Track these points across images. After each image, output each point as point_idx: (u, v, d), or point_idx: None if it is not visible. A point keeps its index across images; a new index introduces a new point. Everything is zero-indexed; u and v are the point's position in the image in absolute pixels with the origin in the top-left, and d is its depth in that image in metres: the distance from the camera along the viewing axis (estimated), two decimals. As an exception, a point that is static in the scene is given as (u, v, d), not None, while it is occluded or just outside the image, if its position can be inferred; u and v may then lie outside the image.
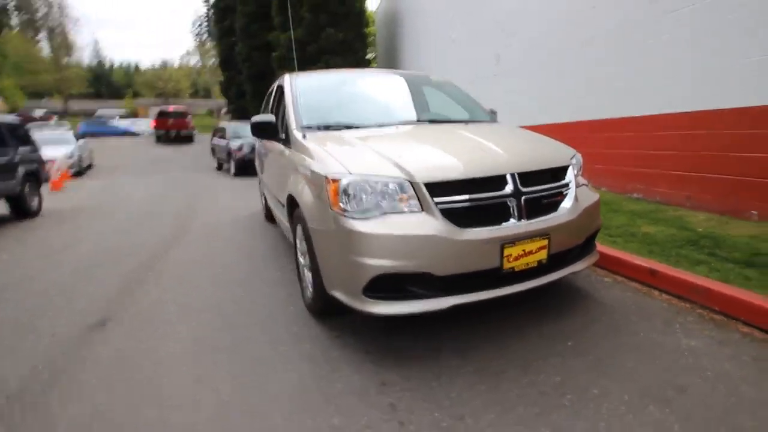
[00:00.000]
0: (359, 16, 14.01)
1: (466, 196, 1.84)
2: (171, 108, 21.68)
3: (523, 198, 1.92)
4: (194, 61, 61.50)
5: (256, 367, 1.93)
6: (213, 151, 13.74)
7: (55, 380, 1.94)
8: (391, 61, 15.22)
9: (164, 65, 55.44)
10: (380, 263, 1.76)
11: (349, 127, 2.61)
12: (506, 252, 1.85)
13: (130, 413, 1.67)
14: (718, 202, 3.58)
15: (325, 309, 2.28)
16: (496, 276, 1.88)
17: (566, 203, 2.08)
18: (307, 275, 2.40)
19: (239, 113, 20.28)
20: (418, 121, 2.81)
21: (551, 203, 2.05)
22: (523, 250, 1.89)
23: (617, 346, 1.94)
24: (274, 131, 2.81)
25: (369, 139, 2.32)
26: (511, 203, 1.91)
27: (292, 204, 2.55)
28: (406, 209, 1.84)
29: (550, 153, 2.23)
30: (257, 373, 1.88)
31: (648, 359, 1.82)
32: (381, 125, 2.67)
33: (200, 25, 64.95)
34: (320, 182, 1.99)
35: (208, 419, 1.60)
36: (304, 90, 2.98)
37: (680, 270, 2.46)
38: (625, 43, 4.56)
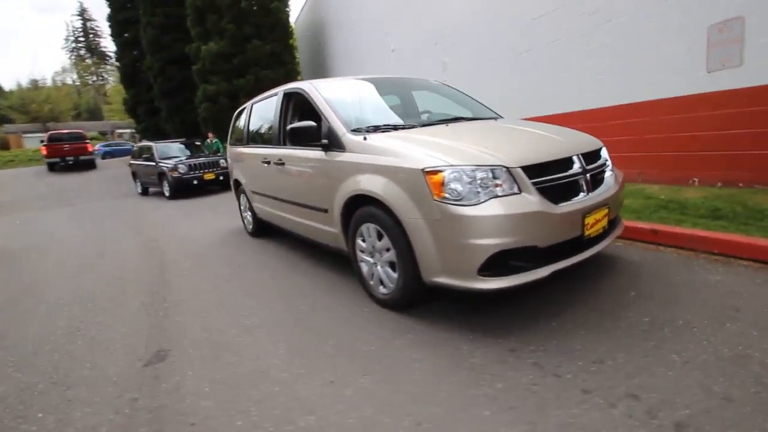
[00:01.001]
0: (285, 28, 13.85)
1: (552, 176, 2.11)
2: (65, 131, 18.92)
3: (588, 175, 2.26)
4: (71, 79, 54.29)
5: (380, 364, 1.95)
6: (134, 174, 12.40)
7: (160, 417, 1.75)
8: (318, 73, 15.26)
9: (35, 85, 47.95)
10: (497, 242, 1.94)
11: (396, 128, 2.74)
12: (586, 221, 2.16)
13: (285, 425, 1.60)
14: (664, 174, 4.40)
15: (413, 300, 2.37)
16: (579, 242, 2.18)
17: (609, 178, 2.47)
18: (382, 271, 2.46)
19: (151, 133, 18.49)
20: (455, 119, 3.03)
21: (600, 179, 2.42)
22: (595, 219, 2.22)
23: (667, 288, 2.36)
24: (314, 137, 2.80)
25: (433, 135, 2.48)
26: (581, 180, 2.23)
27: (352, 205, 2.59)
28: (501, 192, 2.03)
29: (588, 138, 2.61)
30: (388, 368, 1.91)
31: (696, 294, 2.26)
32: (424, 125, 2.85)
33: (76, 40, 57.53)
34: (414, 176, 2.10)
35: (379, 411, 1.61)
36: (333, 96, 3.01)
37: (675, 226, 3.04)
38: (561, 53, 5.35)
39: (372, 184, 2.35)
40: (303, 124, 2.81)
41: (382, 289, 2.54)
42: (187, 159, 10.69)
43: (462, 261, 2.00)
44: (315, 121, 2.85)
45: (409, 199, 2.14)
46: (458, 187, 2.00)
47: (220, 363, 2.12)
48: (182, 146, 11.86)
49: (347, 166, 2.58)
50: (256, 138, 4.36)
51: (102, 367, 2.23)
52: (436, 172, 2.04)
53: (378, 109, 3.18)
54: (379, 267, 2.51)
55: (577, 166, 2.23)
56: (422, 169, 2.07)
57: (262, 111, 4.18)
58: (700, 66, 3.92)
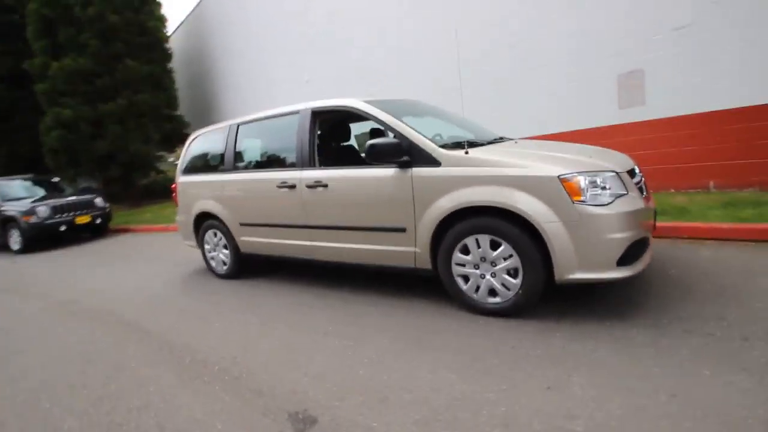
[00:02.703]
0: (164, 50, 12.37)
1: (636, 180, 2.57)
2: None
3: (642, 180, 2.81)
4: None
5: (568, 363, 2.00)
6: (-53, 225, 8.97)
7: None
8: (200, 102, 13.97)
9: None
10: (630, 234, 2.25)
11: (471, 144, 2.88)
12: (656, 215, 2.68)
13: (559, 439, 1.53)
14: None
15: (534, 303, 2.48)
16: (651, 233, 2.67)
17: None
18: (496, 281, 2.51)
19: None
20: (501, 138, 3.31)
21: (639, 183, 3.01)
22: (654, 215, 2.77)
23: (712, 263, 2.98)
24: (396, 154, 2.72)
25: (526, 148, 2.72)
26: (642, 184, 2.76)
27: (447, 221, 2.60)
28: (612, 195, 2.37)
29: (617, 151, 3.22)
30: (582, 364, 1.97)
31: (735, 264, 2.92)
32: (491, 142, 3.06)
33: None
34: (549, 183, 2.27)
35: (628, 401, 1.68)
36: (394, 115, 2.97)
37: (669, 222, 3.91)
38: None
39: (493, 195, 2.42)
40: (386, 140, 2.71)
41: (492, 299, 2.58)
42: (45, 200, 8.36)
43: (602, 255, 2.25)
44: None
45: (544, 205, 2.30)
46: (592, 190, 2.27)
47: (397, 404, 1.84)
48: (30, 184, 9.26)
49: (447, 181, 2.59)
50: (251, 163, 3.85)
51: (235, 450, 1.67)
52: (571, 178, 2.27)
53: (442, 128, 3.28)
54: (489, 277, 2.56)
55: (638, 173, 2.76)
56: (558, 176, 2.28)
57: (267, 132, 3.75)
58: (614, 104, 5.20)
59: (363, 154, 2.97)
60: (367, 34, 8.37)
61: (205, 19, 13.36)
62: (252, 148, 3.91)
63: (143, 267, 5.50)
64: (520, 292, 2.46)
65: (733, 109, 4.47)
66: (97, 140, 10.92)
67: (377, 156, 2.71)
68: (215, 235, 4.27)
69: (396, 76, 7.86)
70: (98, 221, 8.70)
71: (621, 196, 2.34)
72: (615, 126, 5.23)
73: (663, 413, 1.58)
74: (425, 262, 2.81)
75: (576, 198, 2.25)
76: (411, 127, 2.81)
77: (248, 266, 4.27)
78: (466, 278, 2.66)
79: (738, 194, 4.37)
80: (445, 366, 2.10)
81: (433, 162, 2.66)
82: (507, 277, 2.50)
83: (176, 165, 4.83)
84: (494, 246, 2.50)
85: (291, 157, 3.48)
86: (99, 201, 8.89)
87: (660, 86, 4.84)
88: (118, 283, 4.74)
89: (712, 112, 4.58)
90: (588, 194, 2.26)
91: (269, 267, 4.38)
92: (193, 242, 4.61)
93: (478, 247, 2.55)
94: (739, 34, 4.34)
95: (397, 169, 2.79)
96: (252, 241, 3.88)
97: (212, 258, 4.40)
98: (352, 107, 3.11)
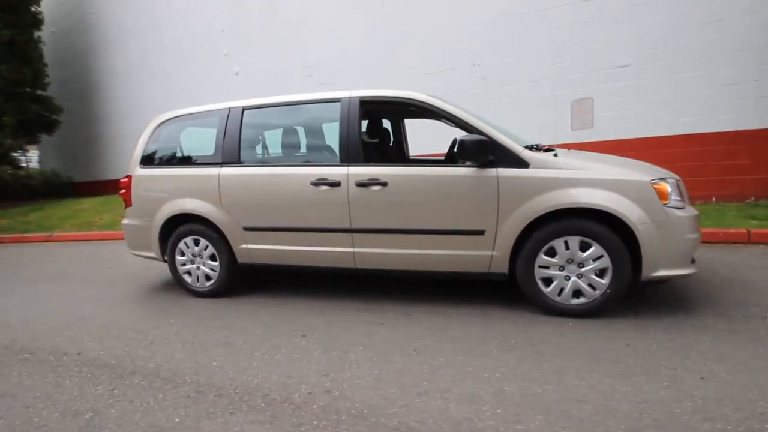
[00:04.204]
0: (33, 15, 9.74)
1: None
2: None
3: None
4: None
5: (690, 358, 2.14)
6: None
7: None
8: (77, 86, 11.37)
9: None
10: (699, 235, 2.56)
11: (550, 150, 2.91)
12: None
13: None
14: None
15: (618, 300, 2.60)
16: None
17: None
18: (583, 281, 2.57)
19: None
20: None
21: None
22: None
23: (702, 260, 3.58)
24: (482, 153, 2.58)
25: (599, 156, 2.86)
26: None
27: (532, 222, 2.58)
28: (678, 200, 2.65)
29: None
30: (706, 361, 2.13)
31: (717, 263, 3.54)
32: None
33: None
34: (643, 187, 2.44)
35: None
36: (458, 109, 2.83)
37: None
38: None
39: (591, 197, 2.47)
40: (474, 138, 2.56)
41: (575, 300, 2.62)
42: None
43: (681, 253, 2.49)
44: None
45: (638, 207, 2.45)
46: (674, 194, 2.51)
47: (585, 418, 1.69)
48: None
49: (539, 183, 2.55)
50: (266, 155, 3.23)
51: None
52: (659, 183, 2.47)
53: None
54: (575, 278, 2.59)
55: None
56: (649, 181, 2.46)
57: (289, 120, 3.19)
58: (567, 126, 5.92)
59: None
60: (311, 31, 7.96)
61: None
62: (267, 137, 3.29)
63: (53, 287, 4.14)
64: (608, 291, 2.55)
65: (666, 136, 5.52)
66: None
67: (465, 154, 2.54)
68: (196, 243, 3.44)
69: (348, 80, 7.62)
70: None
71: (683, 201, 2.65)
72: (566, 144, 5.95)
73: (817, 388, 1.79)
74: (502, 266, 2.72)
75: (664, 201, 2.46)
76: (490, 126, 2.73)
77: (241, 281, 3.57)
78: (546, 280, 2.66)
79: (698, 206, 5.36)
80: (588, 371, 2.03)
81: (521, 163, 2.62)
82: (595, 277, 2.57)
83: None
84: (582, 247, 2.56)
85: (329, 151, 3.04)
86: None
87: (606, 113, 5.71)
88: (39, 311, 3.45)
89: (650, 137, 5.58)
90: (673, 198, 2.49)
91: (253, 281, 3.77)
92: (153, 252, 3.64)
93: (566, 248, 2.58)
94: (671, 74, 5.39)
95: (477, 169, 2.66)
96: (261, 249, 3.23)
97: (188, 272, 3.53)
98: (415, 100, 2.87)
